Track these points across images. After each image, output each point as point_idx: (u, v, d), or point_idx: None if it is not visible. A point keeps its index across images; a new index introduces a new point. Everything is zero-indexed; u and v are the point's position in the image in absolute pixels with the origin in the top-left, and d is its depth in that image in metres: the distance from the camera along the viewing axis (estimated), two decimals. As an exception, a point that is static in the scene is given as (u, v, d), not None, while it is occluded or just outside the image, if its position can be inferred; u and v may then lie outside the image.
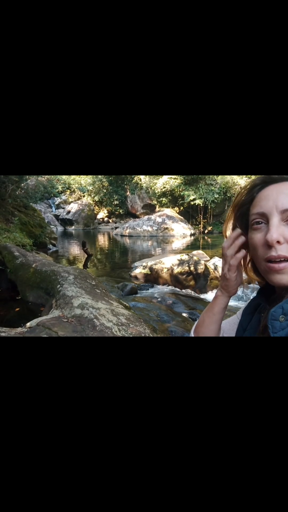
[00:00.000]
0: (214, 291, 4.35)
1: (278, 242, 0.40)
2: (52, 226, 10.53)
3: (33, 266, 3.16)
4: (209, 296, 4.27)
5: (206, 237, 11.75)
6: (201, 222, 13.48)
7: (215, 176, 12.82)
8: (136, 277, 4.79)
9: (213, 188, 12.84)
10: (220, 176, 12.69)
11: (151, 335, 2.24)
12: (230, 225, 0.49)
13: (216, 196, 12.72)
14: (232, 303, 4.05)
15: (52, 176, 7.90)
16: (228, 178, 12.52)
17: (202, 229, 13.33)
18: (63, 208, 15.87)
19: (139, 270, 4.81)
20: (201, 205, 12.95)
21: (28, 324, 2.07)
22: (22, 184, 6.40)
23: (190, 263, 4.49)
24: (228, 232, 0.50)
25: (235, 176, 12.44)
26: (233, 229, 0.49)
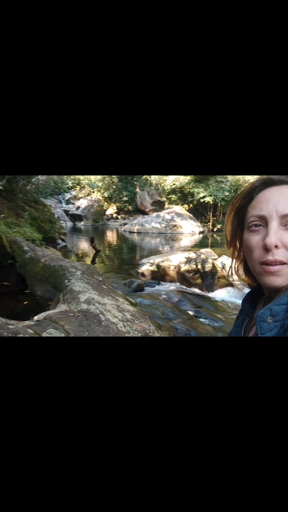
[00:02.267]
0: (221, 289, 4.33)
1: (276, 246, 0.40)
2: (61, 222, 10.64)
3: (42, 260, 3.22)
4: (216, 294, 4.25)
5: (215, 235, 11.64)
6: (211, 220, 13.34)
7: (226, 174, 12.63)
8: (143, 274, 4.81)
9: (223, 185, 12.68)
10: (231, 173, 12.48)
11: (156, 332, 2.26)
12: (229, 226, 0.50)
13: (227, 193, 12.55)
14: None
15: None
16: (238, 176, 12.33)
17: (211, 227, 13.20)
18: (73, 203, 15.99)
19: (146, 267, 4.82)
20: (211, 202, 12.81)
21: (35, 318, 2.12)
22: (33, 180, 6.49)
23: (197, 261, 4.47)
24: (228, 233, 0.50)
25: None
26: (232, 230, 0.49)
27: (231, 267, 0.51)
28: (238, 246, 0.49)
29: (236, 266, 0.50)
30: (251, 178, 12.14)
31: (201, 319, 3.31)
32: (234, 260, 0.50)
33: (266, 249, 0.41)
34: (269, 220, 0.42)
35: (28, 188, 6.30)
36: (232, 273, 0.51)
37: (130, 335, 2.07)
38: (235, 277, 0.51)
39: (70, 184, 15.18)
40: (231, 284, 4.43)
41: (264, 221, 0.42)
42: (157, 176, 14.31)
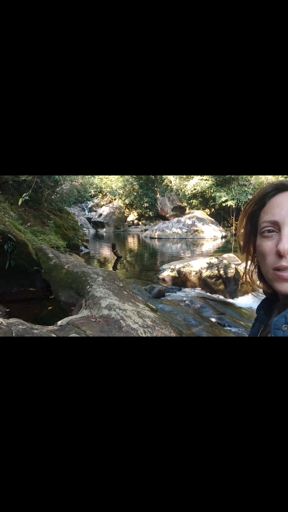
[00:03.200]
0: (245, 296, 4.19)
1: None
2: (84, 229, 10.95)
3: (66, 267, 3.32)
4: (240, 301, 4.11)
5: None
6: (233, 224, 13.04)
7: (249, 177, 12.34)
8: (164, 280, 4.79)
9: (246, 189, 12.37)
10: (254, 176, 12.17)
11: (177, 339, 2.23)
12: (243, 232, 0.49)
13: (250, 197, 12.20)
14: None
15: (85, 180, 8.22)
16: (262, 178, 11.97)
17: (234, 231, 12.90)
18: (95, 211, 16.41)
19: (167, 273, 4.79)
20: (234, 206, 12.53)
21: (59, 323, 2.18)
22: (57, 189, 6.76)
23: (219, 266, 4.37)
24: (242, 238, 0.49)
25: (270, 176, 11.86)
26: (246, 235, 0.48)
27: (245, 273, 0.50)
28: (252, 251, 0.48)
29: (251, 272, 0.49)
30: (275, 180, 11.72)
31: (225, 327, 3.22)
32: (248, 266, 0.49)
33: (279, 255, 0.40)
34: (282, 225, 0.41)
35: (53, 197, 6.58)
36: (246, 279, 0.50)
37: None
38: (249, 283, 0.50)
39: (92, 192, 15.62)
40: (255, 290, 4.27)
41: (277, 227, 0.42)
42: (177, 181, 14.30)
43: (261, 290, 0.53)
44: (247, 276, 0.50)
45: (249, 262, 0.49)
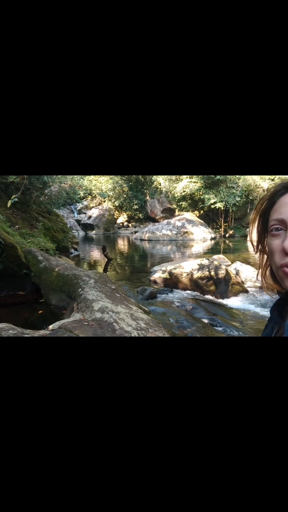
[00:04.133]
0: (236, 296, 4.24)
1: None
2: (74, 231, 10.84)
3: (56, 270, 3.27)
4: (230, 301, 4.16)
5: (227, 241, 11.50)
6: (222, 226, 13.22)
7: (237, 179, 12.57)
8: (155, 282, 4.79)
9: (234, 191, 12.58)
10: (241, 178, 12.41)
11: (171, 341, 2.22)
12: (255, 231, 0.49)
13: (238, 199, 12.44)
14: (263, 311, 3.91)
15: (74, 182, 8.15)
16: (250, 180, 12.22)
17: (223, 233, 13.08)
18: (85, 213, 16.28)
19: (158, 275, 4.80)
20: (222, 208, 12.72)
21: (50, 327, 2.14)
22: (46, 191, 6.66)
23: (210, 267, 4.41)
24: (254, 238, 0.49)
25: (257, 179, 12.12)
26: (258, 234, 0.48)
27: (258, 272, 0.50)
28: (267, 250, 0.48)
29: (264, 271, 0.49)
30: (262, 182, 12.01)
31: (216, 327, 3.24)
32: (263, 266, 0.49)
33: (286, 253, 0.40)
34: None
35: (41, 199, 6.48)
36: (262, 279, 0.50)
37: (144, 344, 2.05)
38: (264, 283, 0.50)
39: (81, 194, 15.51)
40: (246, 291, 4.34)
41: (284, 225, 0.42)
42: (167, 183, 14.40)
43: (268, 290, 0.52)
44: (261, 276, 0.50)
45: (263, 263, 0.49)
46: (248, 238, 0.51)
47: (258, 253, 0.49)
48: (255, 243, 0.49)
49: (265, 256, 0.49)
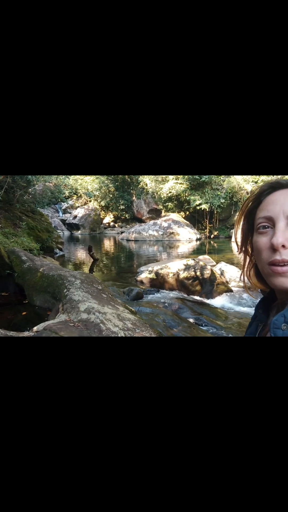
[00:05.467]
0: (220, 296, 4.32)
1: (283, 246, 0.40)
2: (59, 231, 10.65)
3: (40, 270, 3.19)
4: (215, 301, 4.24)
5: (212, 242, 11.70)
6: (207, 227, 13.44)
7: (221, 181, 12.82)
8: (142, 282, 4.79)
9: (219, 193, 12.82)
10: (226, 180, 12.67)
11: (157, 341, 2.23)
12: (240, 231, 0.50)
13: (222, 200, 12.69)
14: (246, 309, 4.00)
15: (59, 181, 8.01)
16: (234, 183, 12.50)
17: (208, 234, 13.29)
18: (70, 213, 16.04)
19: (145, 275, 4.80)
20: (207, 209, 12.93)
21: (35, 328, 2.09)
22: (30, 190, 6.50)
23: (196, 268, 4.47)
24: (239, 238, 0.50)
25: (241, 181, 12.42)
26: (243, 234, 0.49)
27: (243, 272, 0.51)
28: (250, 251, 0.49)
29: (248, 271, 0.50)
30: (246, 185, 12.31)
31: (202, 327, 3.29)
32: (246, 265, 0.50)
33: (274, 250, 0.41)
34: (276, 221, 0.42)
35: (25, 198, 6.31)
36: (244, 279, 0.50)
37: (131, 344, 2.05)
38: (247, 282, 0.51)
39: (67, 193, 15.27)
40: (230, 290, 4.42)
41: (271, 222, 0.43)
42: (153, 184, 14.45)
43: (250, 290, 0.54)
44: (245, 275, 0.51)
45: (246, 262, 0.50)
46: (233, 239, 0.53)
47: (242, 253, 0.50)
48: (239, 243, 0.50)
49: (248, 257, 0.50)
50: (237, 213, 0.50)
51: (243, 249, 0.50)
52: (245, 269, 0.50)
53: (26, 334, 2.00)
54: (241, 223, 0.49)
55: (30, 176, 5.78)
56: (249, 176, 11.70)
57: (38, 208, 7.04)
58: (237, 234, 0.50)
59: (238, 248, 0.51)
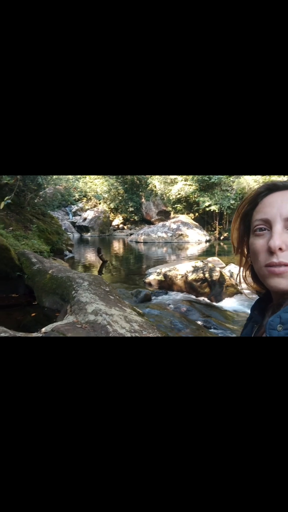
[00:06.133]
0: (230, 298, 4.26)
1: (280, 249, 0.40)
2: (68, 233, 10.79)
3: (50, 272, 3.24)
4: (225, 303, 4.18)
5: (221, 244, 11.58)
6: (217, 228, 13.32)
7: (231, 182, 12.69)
8: (150, 284, 4.78)
9: (228, 194, 12.70)
10: (236, 181, 12.54)
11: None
12: (236, 232, 0.50)
13: (232, 202, 12.56)
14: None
15: (69, 184, 8.13)
16: (244, 183, 12.35)
17: (217, 235, 13.17)
18: (80, 215, 16.22)
19: (153, 277, 4.80)
20: (217, 211, 12.82)
21: (43, 329, 2.11)
22: (41, 193, 6.63)
23: (205, 270, 4.43)
24: (235, 239, 0.50)
25: (251, 182, 12.26)
26: (238, 235, 0.49)
27: (238, 274, 0.51)
28: (246, 252, 0.49)
29: (244, 272, 0.50)
30: (256, 186, 12.13)
31: (211, 329, 3.25)
32: (242, 267, 0.50)
33: (271, 252, 0.41)
34: (273, 223, 0.42)
35: (36, 201, 6.44)
36: (240, 280, 0.50)
37: (138, 346, 2.05)
38: (243, 284, 0.50)
39: (76, 196, 15.47)
40: (239, 293, 4.36)
41: (268, 225, 0.43)
42: (162, 186, 14.47)
43: (246, 291, 0.53)
44: (241, 277, 0.50)
45: (242, 263, 0.50)
46: (231, 241, 0.52)
47: (238, 255, 0.50)
48: (235, 245, 0.50)
49: (244, 258, 0.49)
50: (235, 214, 0.50)
51: (239, 250, 0.49)
52: (241, 270, 0.50)
53: (34, 335, 2.03)
54: (237, 224, 0.49)
55: (40, 179, 5.89)
56: (259, 176, 11.54)
57: (49, 211, 7.16)
58: (233, 235, 0.50)
59: (234, 250, 0.50)
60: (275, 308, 0.44)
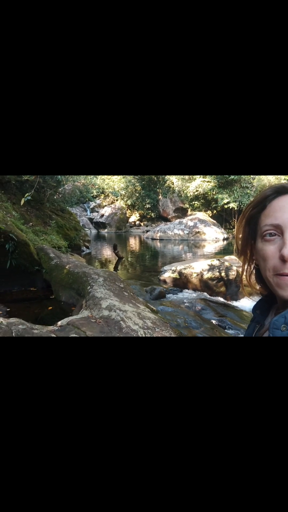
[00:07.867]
0: (246, 298, 4.17)
1: None
2: (86, 229, 10.98)
3: (67, 267, 3.32)
4: (241, 303, 4.10)
5: (240, 242, 11.30)
6: (235, 226, 13.02)
7: (251, 179, 12.33)
8: (165, 281, 4.78)
9: (248, 191, 12.35)
10: (256, 178, 12.16)
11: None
12: (241, 235, 0.49)
13: (252, 199, 12.21)
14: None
15: (88, 181, 8.25)
16: (265, 180, 11.95)
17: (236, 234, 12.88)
18: (97, 211, 16.44)
19: (168, 274, 4.78)
20: (236, 208, 12.52)
21: (59, 323, 2.18)
22: (60, 189, 6.78)
23: (221, 268, 4.35)
24: (240, 241, 0.49)
25: (272, 179, 11.84)
26: (243, 238, 0.48)
27: (242, 275, 0.50)
28: (249, 254, 0.48)
29: (248, 274, 0.49)
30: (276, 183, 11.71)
31: (226, 330, 3.20)
32: (246, 269, 0.49)
33: (283, 260, 0.39)
34: (284, 229, 0.40)
35: (55, 197, 6.59)
36: (243, 281, 0.49)
37: (150, 343, 2.06)
38: (245, 284, 0.50)
39: (94, 192, 15.66)
40: (257, 293, 4.25)
41: (279, 230, 0.41)
42: (179, 182, 14.31)
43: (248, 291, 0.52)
44: (245, 279, 0.50)
45: (246, 265, 0.49)
46: (236, 244, 0.51)
47: (241, 256, 0.49)
48: (240, 247, 0.49)
49: (247, 260, 0.48)
50: (240, 216, 0.49)
51: (243, 253, 0.48)
52: (245, 272, 0.49)
53: (50, 328, 2.10)
54: (243, 227, 0.48)
55: (60, 176, 6.01)
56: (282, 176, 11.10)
57: (67, 207, 7.31)
58: (238, 238, 0.49)
59: (238, 252, 0.49)
60: (280, 308, 0.43)
